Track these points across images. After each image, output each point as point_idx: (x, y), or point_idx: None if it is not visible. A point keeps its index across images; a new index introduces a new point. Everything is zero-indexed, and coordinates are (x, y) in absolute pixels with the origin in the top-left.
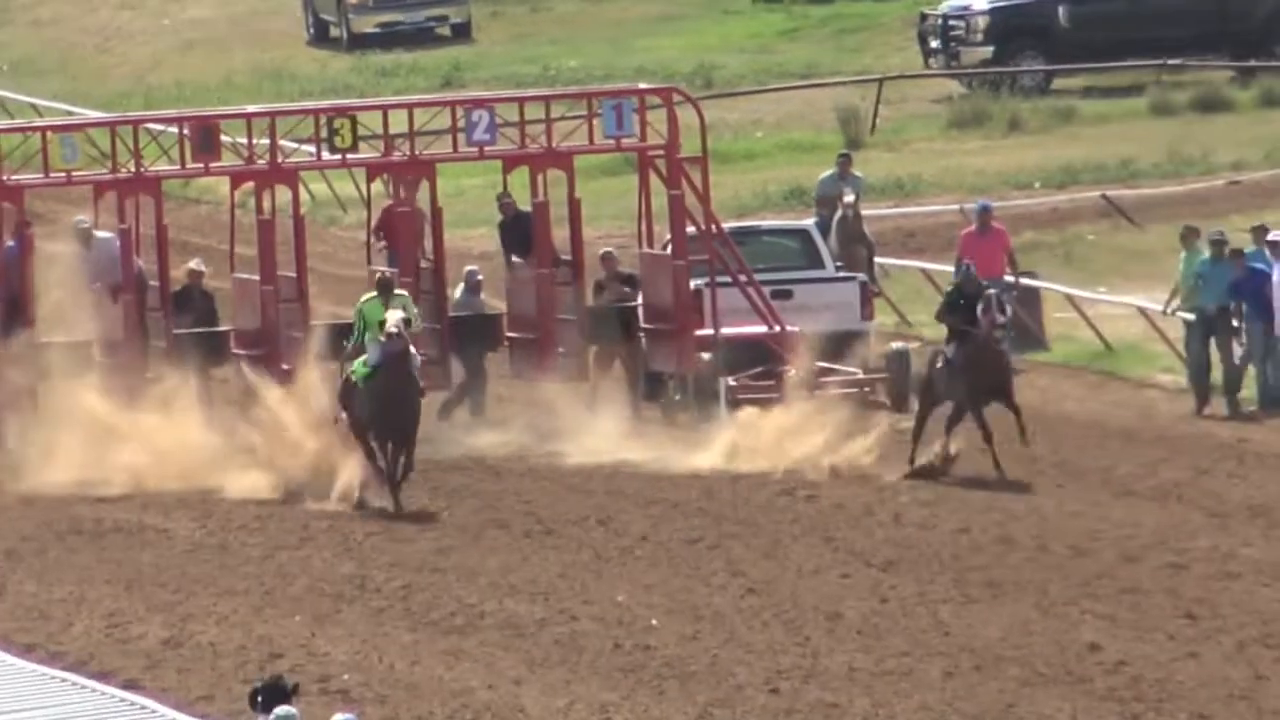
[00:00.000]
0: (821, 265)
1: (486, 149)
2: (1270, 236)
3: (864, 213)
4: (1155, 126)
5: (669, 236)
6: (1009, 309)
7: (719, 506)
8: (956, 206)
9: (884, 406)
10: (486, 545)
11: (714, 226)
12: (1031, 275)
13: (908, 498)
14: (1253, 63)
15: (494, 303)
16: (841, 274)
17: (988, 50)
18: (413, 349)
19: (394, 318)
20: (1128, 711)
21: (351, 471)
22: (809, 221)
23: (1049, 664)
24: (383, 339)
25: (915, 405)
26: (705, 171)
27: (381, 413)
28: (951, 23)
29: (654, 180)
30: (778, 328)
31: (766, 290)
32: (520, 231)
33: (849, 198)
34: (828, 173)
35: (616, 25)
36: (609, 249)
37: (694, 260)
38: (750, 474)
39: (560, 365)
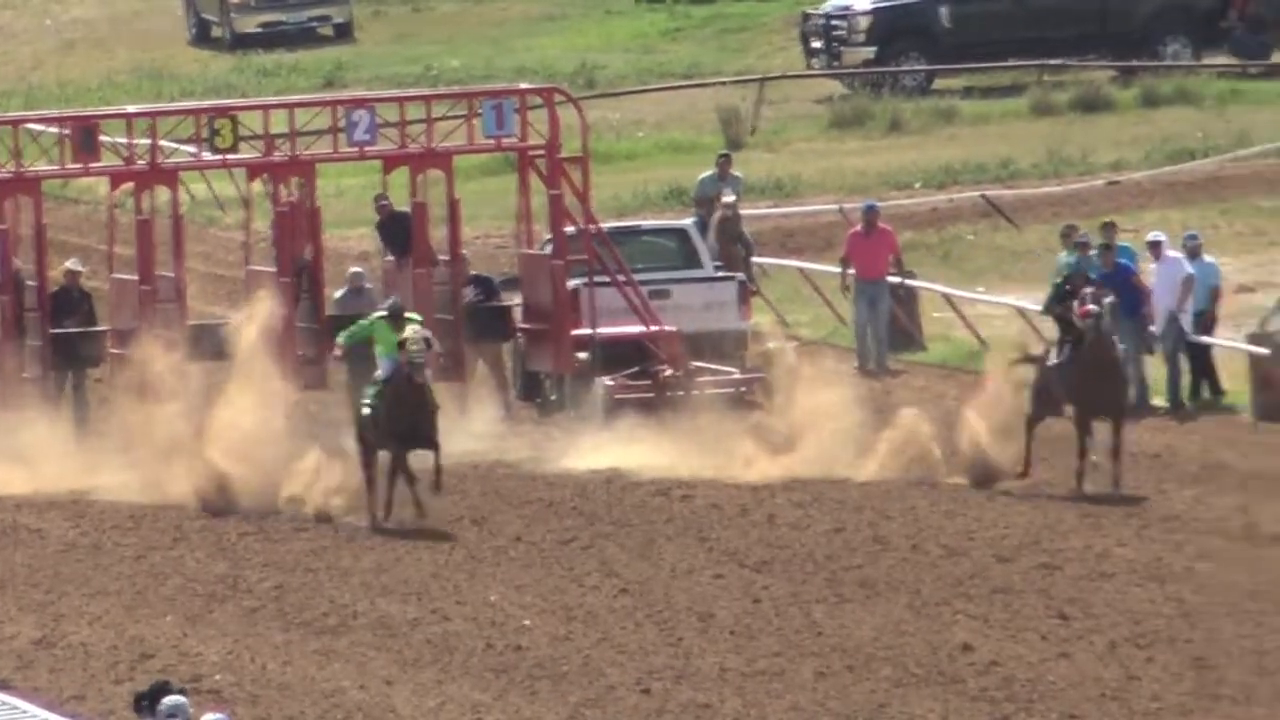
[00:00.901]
0: (700, 265)
1: (367, 149)
2: (1150, 237)
3: (743, 213)
4: (1035, 127)
5: (548, 236)
6: (1107, 300)
7: (593, 507)
8: (836, 207)
9: (760, 407)
10: (360, 545)
11: (593, 226)
12: (910, 275)
13: (782, 498)
14: (1134, 63)
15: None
16: (719, 274)
17: (869, 50)
18: (428, 372)
19: (414, 335)
20: (999, 712)
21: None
22: (688, 221)
23: (921, 664)
24: (403, 361)
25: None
26: (585, 171)
27: (399, 421)
28: (834, 23)
29: (534, 180)
30: (655, 328)
31: (645, 290)
32: (399, 232)
33: (728, 198)
34: (707, 173)
35: (498, 25)
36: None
37: (573, 260)
38: (626, 473)
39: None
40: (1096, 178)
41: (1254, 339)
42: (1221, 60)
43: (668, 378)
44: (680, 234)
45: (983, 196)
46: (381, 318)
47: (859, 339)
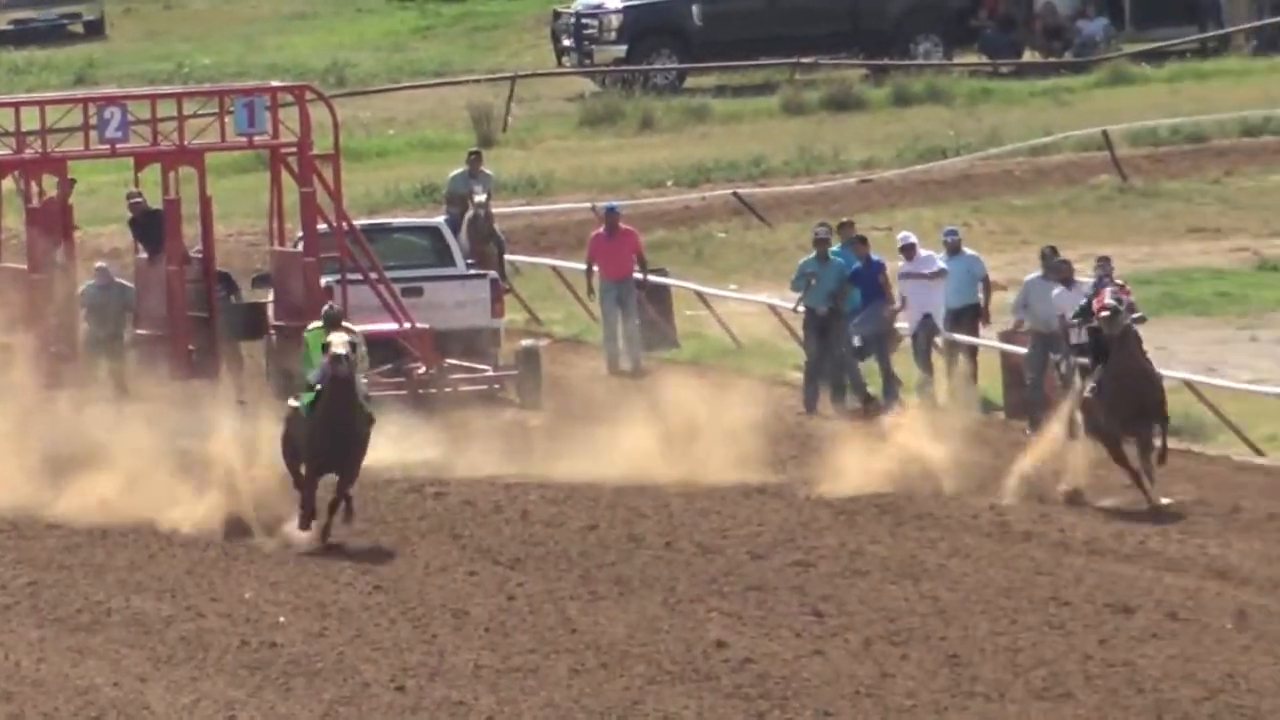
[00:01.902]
0: (452, 263)
1: (118, 146)
2: (901, 239)
3: (495, 210)
4: (787, 125)
5: (300, 234)
6: (1125, 298)
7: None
8: (589, 205)
9: (513, 404)
10: (114, 542)
11: (345, 224)
12: (662, 272)
13: (536, 495)
14: (885, 62)
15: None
16: (472, 271)
17: (621, 49)
18: (361, 380)
19: (339, 339)
20: (753, 709)
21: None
22: (440, 219)
23: (675, 661)
24: (326, 360)
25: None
26: (337, 169)
27: (320, 438)
28: (585, 21)
29: (286, 178)
30: (408, 325)
31: (397, 288)
32: (151, 228)
33: (480, 196)
34: (458, 171)
35: (249, 23)
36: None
37: (325, 257)
38: (378, 470)
39: (194, 362)
40: (848, 176)
41: (1005, 336)
42: (972, 59)
43: (421, 375)
44: (433, 232)
45: (735, 194)
46: (316, 327)
47: (607, 340)
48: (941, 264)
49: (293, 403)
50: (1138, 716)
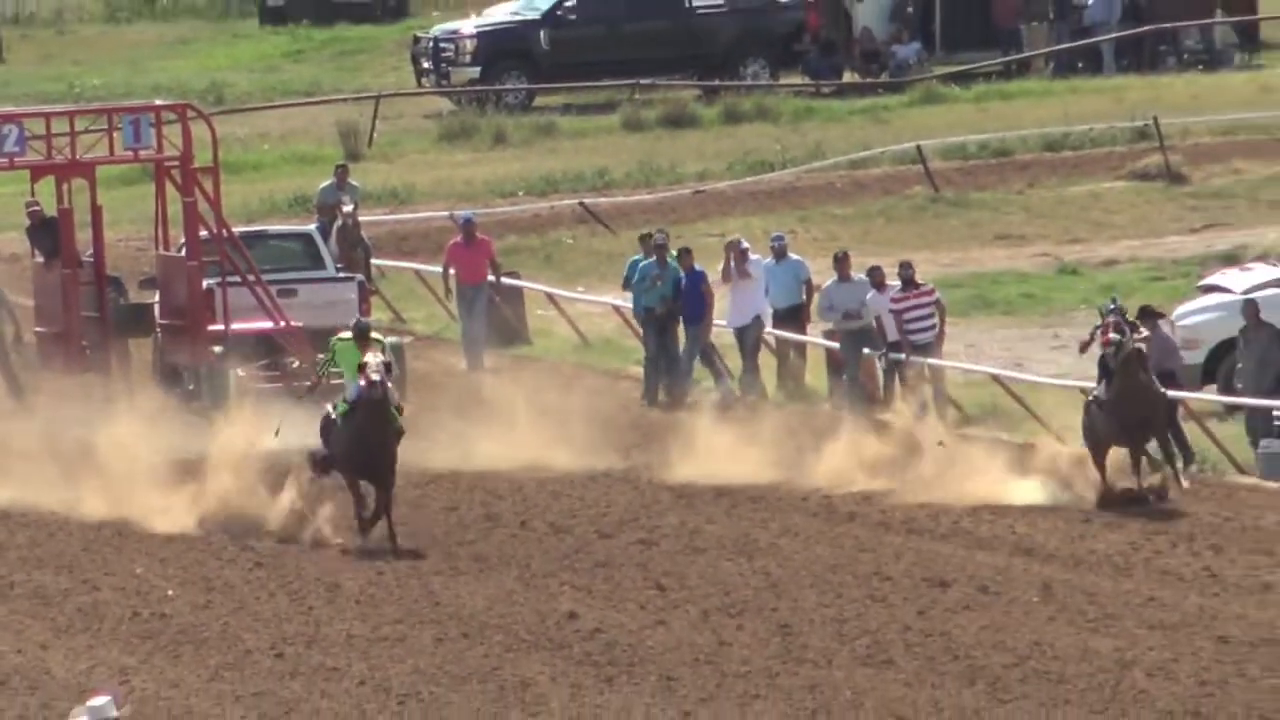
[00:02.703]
0: (323, 266)
1: (16, 159)
2: (738, 242)
3: (361, 219)
4: (628, 141)
5: (184, 240)
6: (1128, 329)
7: None
8: (447, 214)
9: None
10: (15, 522)
11: (225, 231)
12: (515, 275)
13: (401, 480)
14: (717, 83)
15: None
16: (341, 274)
17: (475, 71)
18: (392, 391)
19: (374, 362)
20: (602, 674)
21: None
22: (311, 227)
23: (531, 631)
24: (362, 383)
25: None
26: (217, 181)
27: (357, 450)
28: (442, 45)
29: (170, 189)
30: (283, 323)
31: (273, 289)
32: (47, 235)
33: (348, 206)
34: (327, 182)
35: (135, 48)
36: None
37: (207, 262)
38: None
39: (87, 358)
40: (684, 187)
41: (828, 334)
42: (796, 80)
43: (295, 369)
44: (305, 238)
45: (581, 204)
46: (346, 338)
47: (464, 339)
48: (755, 270)
49: (329, 409)
50: (953, 681)
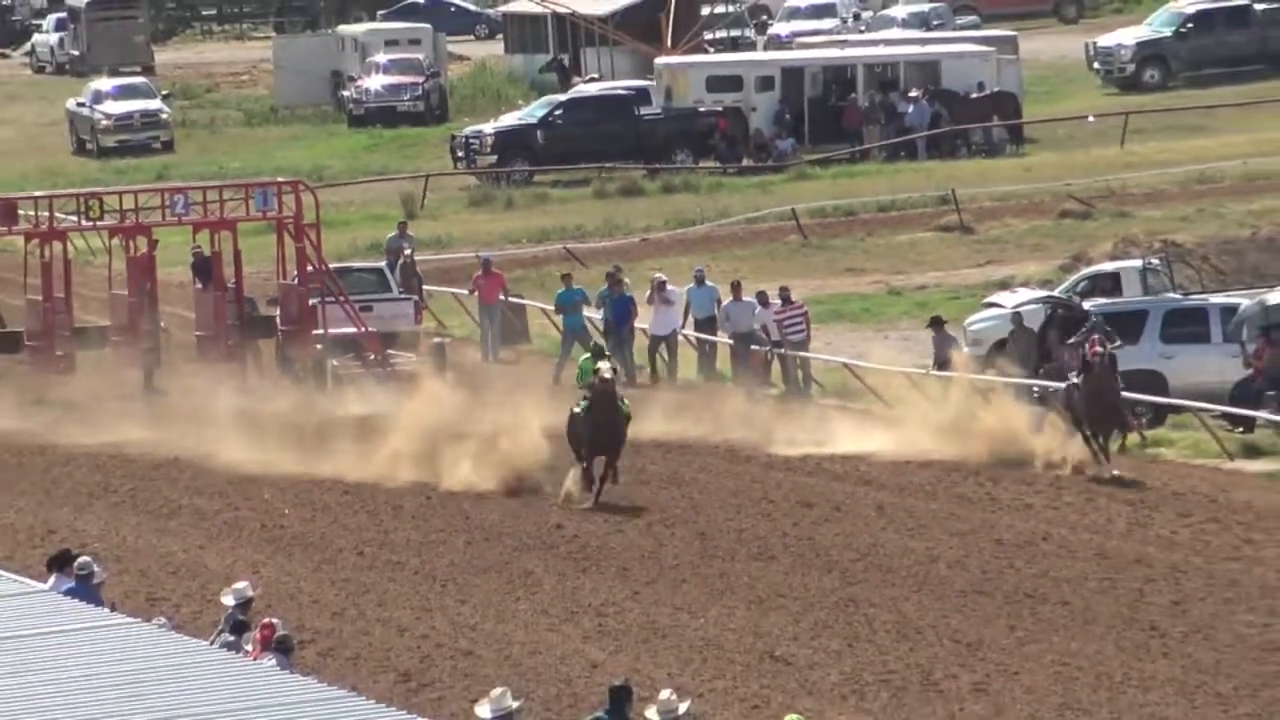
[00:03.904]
0: (390, 290)
1: (183, 218)
2: (659, 278)
3: (416, 258)
4: (597, 205)
5: (296, 273)
6: (1111, 342)
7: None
8: (474, 254)
9: (430, 378)
10: (183, 463)
11: (324, 267)
12: (519, 296)
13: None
14: (657, 166)
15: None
16: (402, 296)
17: (493, 157)
18: (619, 391)
19: (605, 366)
20: (579, 566)
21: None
22: (382, 264)
23: (530, 536)
24: (595, 381)
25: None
26: (318, 233)
27: (596, 432)
28: (470, 140)
29: (286, 238)
30: (363, 329)
31: (356, 306)
32: (205, 269)
33: (407, 250)
34: (393, 234)
35: (263, 142)
36: None
37: (312, 287)
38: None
39: (231, 353)
40: (635, 237)
41: (734, 337)
42: (711, 164)
43: (372, 360)
44: (378, 271)
45: (565, 249)
46: (588, 356)
47: (482, 341)
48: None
49: (574, 408)
50: (817, 571)
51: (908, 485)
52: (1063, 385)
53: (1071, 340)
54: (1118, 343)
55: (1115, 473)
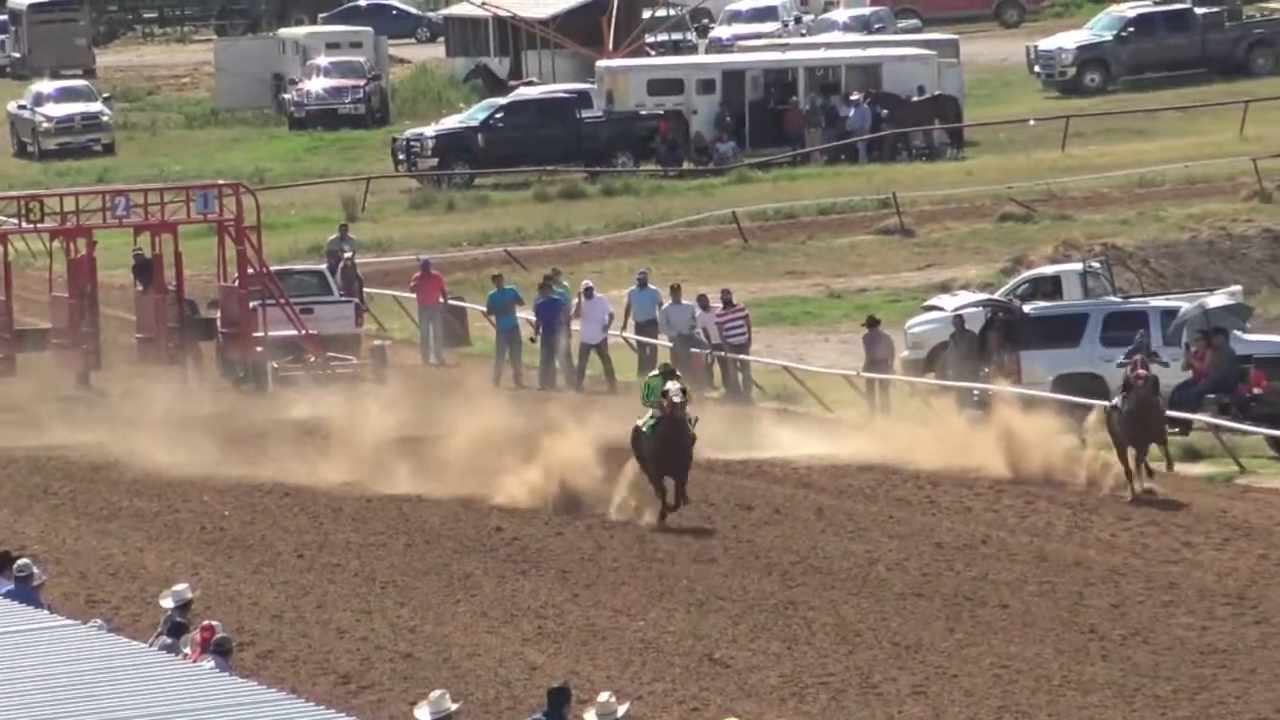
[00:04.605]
0: (330, 292)
1: (124, 220)
2: (585, 283)
3: (357, 261)
4: (537, 208)
5: (237, 275)
6: (1149, 365)
7: None
8: (415, 257)
9: (370, 380)
10: (124, 466)
11: (264, 269)
12: (460, 299)
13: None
14: (598, 169)
15: None
16: (343, 298)
17: (434, 160)
18: (689, 410)
19: (674, 388)
20: (518, 569)
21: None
22: (322, 266)
23: (470, 539)
24: (665, 404)
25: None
26: (259, 235)
27: (662, 453)
28: (411, 143)
29: (227, 241)
30: (303, 332)
31: (297, 308)
32: (145, 271)
33: (347, 252)
34: (334, 236)
35: (205, 145)
36: None
37: (252, 290)
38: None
39: (172, 355)
40: (575, 239)
41: (674, 340)
42: (652, 167)
43: (312, 363)
44: (318, 274)
45: (506, 251)
46: (655, 374)
47: (423, 343)
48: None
49: (639, 423)
50: (756, 573)
51: (847, 488)
52: (1106, 403)
53: (1119, 362)
54: (1155, 365)
55: (1149, 485)
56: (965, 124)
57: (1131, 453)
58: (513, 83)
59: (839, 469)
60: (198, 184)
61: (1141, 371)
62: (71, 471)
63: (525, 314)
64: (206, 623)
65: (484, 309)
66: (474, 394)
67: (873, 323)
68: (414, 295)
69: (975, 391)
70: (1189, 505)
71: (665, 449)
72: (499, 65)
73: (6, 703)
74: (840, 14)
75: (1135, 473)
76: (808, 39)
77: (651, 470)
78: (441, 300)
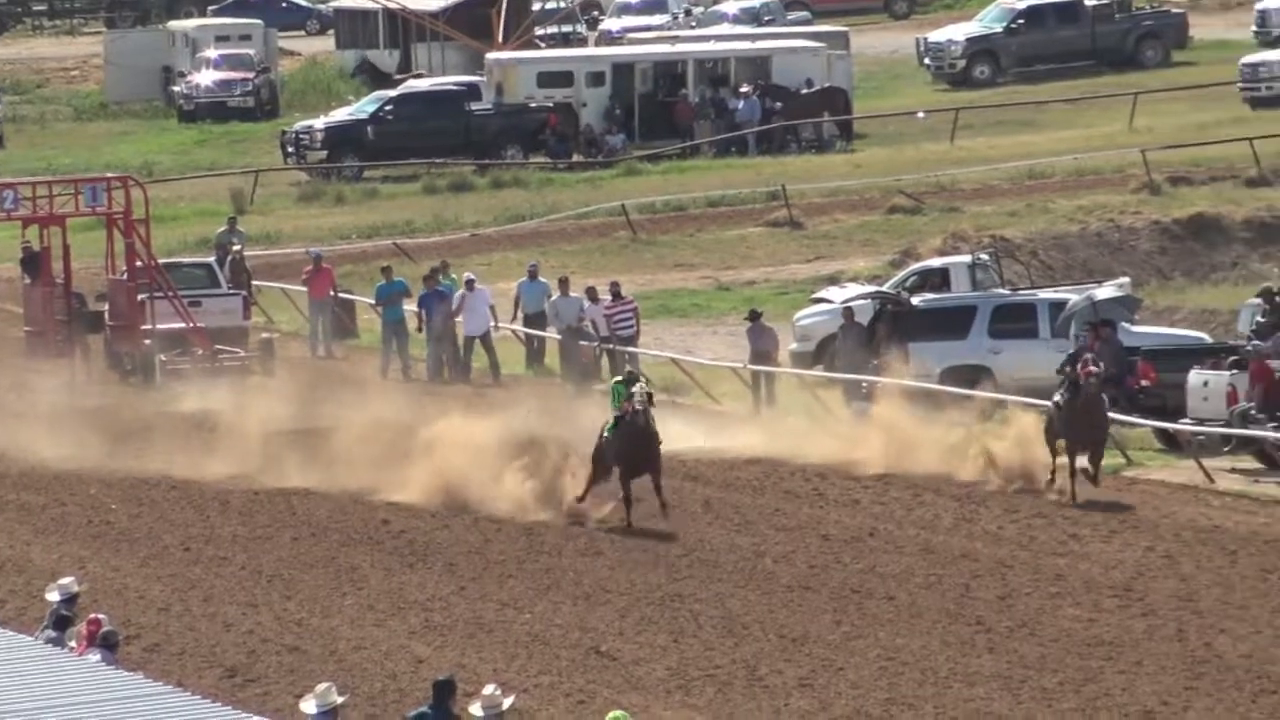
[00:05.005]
0: (219, 285)
1: (12, 213)
2: (467, 276)
3: (246, 253)
4: (426, 201)
5: (125, 268)
6: (1103, 364)
7: None
8: (304, 250)
9: (258, 373)
10: (10, 460)
11: (153, 262)
12: (349, 291)
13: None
14: (487, 161)
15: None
16: (231, 291)
17: (323, 153)
18: (651, 411)
19: (638, 391)
20: (405, 561)
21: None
22: (211, 259)
23: (357, 532)
24: (626, 407)
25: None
26: (147, 228)
27: (626, 453)
28: (300, 135)
29: (116, 234)
30: (192, 324)
31: (185, 301)
32: (34, 264)
33: (236, 245)
34: (222, 228)
35: (94, 138)
36: None
37: (140, 282)
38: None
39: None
40: (464, 232)
41: (562, 332)
42: (541, 159)
43: (201, 356)
44: (207, 267)
45: (395, 244)
46: (619, 380)
47: (311, 335)
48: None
49: (603, 432)
50: (643, 566)
51: (734, 481)
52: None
53: (1061, 366)
54: (1101, 366)
55: (1079, 498)
56: (855, 116)
57: (1077, 457)
58: (397, 76)
59: (726, 462)
60: (86, 177)
61: (1092, 369)
62: None
63: (412, 306)
64: (93, 616)
65: (372, 301)
66: (362, 386)
67: (755, 315)
68: (304, 288)
69: (864, 384)
70: (1076, 498)
71: (628, 448)
72: (389, 58)
73: None
74: (729, 6)
75: (1072, 475)
76: (697, 31)
77: (621, 474)
78: (332, 294)
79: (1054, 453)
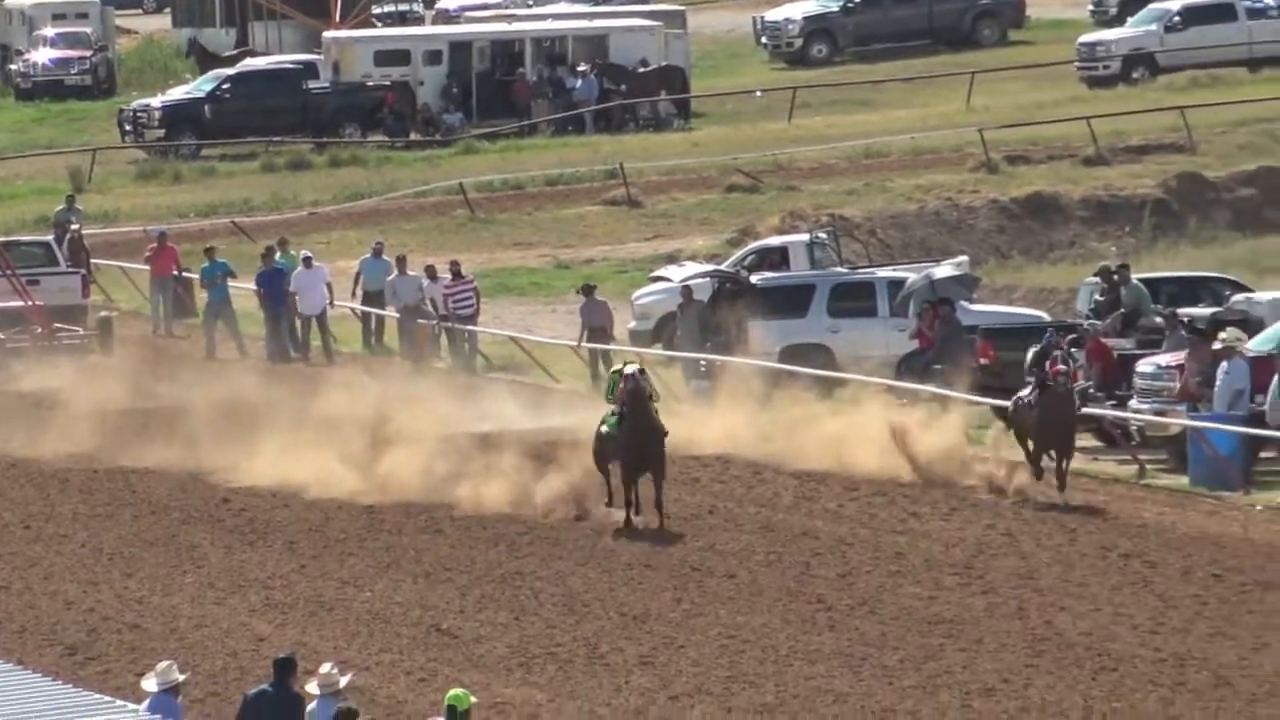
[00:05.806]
0: (57, 264)
1: None
2: (304, 253)
3: (84, 231)
4: (265, 179)
5: None
6: (1071, 362)
7: None
8: (143, 229)
9: (96, 352)
10: None
11: None
12: (189, 270)
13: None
14: (325, 139)
15: None
16: (70, 269)
17: (161, 131)
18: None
19: (631, 366)
20: (246, 539)
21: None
22: (49, 237)
23: (198, 510)
24: (622, 384)
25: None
26: None
27: (633, 447)
28: (138, 114)
29: None
30: (30, 302)
31: (23, 279)
32: None
33: (74, 224)
34: (61, 207)
35: None
36: None
37: None
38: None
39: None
40: (303, 210)
41: (400, 311)
42: (379, 138)
43: (39, 334)
44: (45, 245)
45: (233, 222)
46: (616, 369)
47: (154, 315)
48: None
49: (602, 429)
50: (483, 544)
51: (571, 458)
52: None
53: (1029, 360)
54: (1078, 361)
55: (1065, 499)
56: (692, 95)
57: (1046, 456)
58: (226, 54)
59: (566, 442)
60: None
61: (1061, 367)
62: None
63: (247, 284)
64: None
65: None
66: (202, 366)
67: (589, 290)
68: (147, 266)
69: (702, 363)
70: (916, 476)
71: (635, 438)
72: (225, 36)
73: None
74: None
75: (1038, 473)
76: (534, 10)
77: (624, 473)
78: (175, 272)
79: (1027, 453)
